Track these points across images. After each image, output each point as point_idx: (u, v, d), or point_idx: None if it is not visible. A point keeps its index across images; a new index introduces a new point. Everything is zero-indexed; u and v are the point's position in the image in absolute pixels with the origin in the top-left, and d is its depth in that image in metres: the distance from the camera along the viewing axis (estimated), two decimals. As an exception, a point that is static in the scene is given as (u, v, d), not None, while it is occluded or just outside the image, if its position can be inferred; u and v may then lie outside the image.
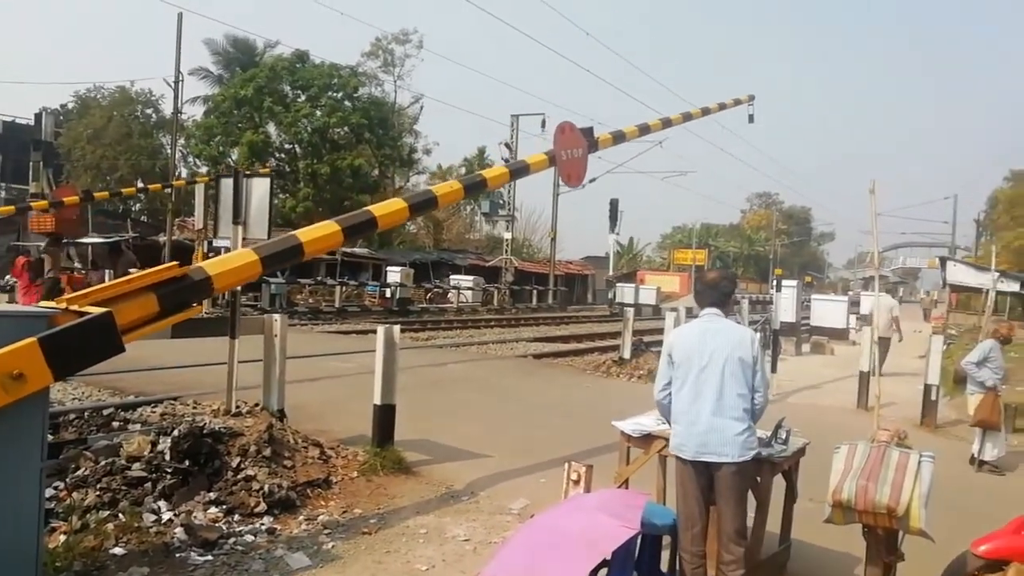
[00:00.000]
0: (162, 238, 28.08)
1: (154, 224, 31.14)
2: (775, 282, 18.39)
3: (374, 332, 6.39)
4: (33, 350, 3.10)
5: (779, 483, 4.40)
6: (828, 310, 21.91)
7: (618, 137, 9.00)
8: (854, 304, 24.42)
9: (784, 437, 4.30)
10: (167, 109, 33.98)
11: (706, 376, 3.73)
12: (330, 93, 36.86)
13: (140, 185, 30.10)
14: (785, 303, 18.78)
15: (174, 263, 4.07)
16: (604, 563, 3.46)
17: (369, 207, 5.61)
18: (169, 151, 31.64)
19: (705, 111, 11.49)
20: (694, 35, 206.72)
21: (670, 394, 3.89)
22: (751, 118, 13.98)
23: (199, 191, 18.71)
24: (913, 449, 3.80)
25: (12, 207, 19.36)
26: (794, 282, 21.78)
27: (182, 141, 34.24)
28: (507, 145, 39.72)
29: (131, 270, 21.75)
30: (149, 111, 38.25)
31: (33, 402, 3.19)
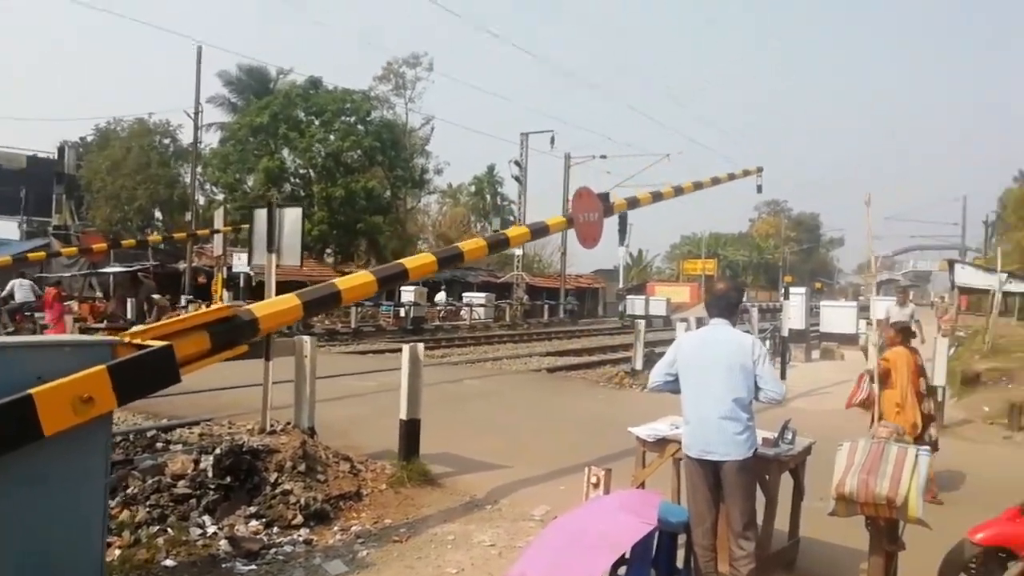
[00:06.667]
0: (182, 265, 28.63)
1: (173, 252, 31.65)
2: (784, 289, 18.57)
3: (390, 352, 6.72)
4: (102, 377, 3.41)
5: (788, 481, 4.66)
6: (837, 316, 21.97)
7: (632, 203, 10.18)
8: (863, 309, 24.48)
9: (790, 437, 4.56)
10: (184, 138, 34.66)
11: (708, 380, 4.03)
12: (343, 118, 37.34)
13: (164, 234, 31.55)
14: (794, 310, 18.93)
15: (227, 306, 4.45)
16: (624, 560, 3.74)
17: (403, 260, 6.40)
18: (187, 179, 32.25)
19: (715, 180, 12.98)
20: (696, 42, 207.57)
21: (660, 384, 4.29)
22: (759, 189, 15.10)
23: (217, 218, 19.20)
24: (910, 444, 4.08)
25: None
26: (802, 289, 21.90)
27: (199, 169, 34.84)
28: (517, 163, 40.21)
29: (153, 296, 22.27)
30: (167, 141, 38.95)
31: (99, 423, 3.49)
